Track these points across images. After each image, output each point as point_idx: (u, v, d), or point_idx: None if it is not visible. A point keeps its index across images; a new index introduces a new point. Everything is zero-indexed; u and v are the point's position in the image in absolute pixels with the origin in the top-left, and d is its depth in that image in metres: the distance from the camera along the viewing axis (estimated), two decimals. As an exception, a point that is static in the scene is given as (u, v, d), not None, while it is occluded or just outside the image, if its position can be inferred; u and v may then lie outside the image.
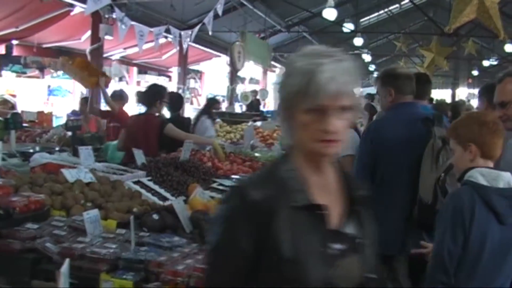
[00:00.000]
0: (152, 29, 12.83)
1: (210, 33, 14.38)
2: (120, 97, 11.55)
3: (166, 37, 15.88)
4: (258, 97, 26.22)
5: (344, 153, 7.02)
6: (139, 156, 6.95)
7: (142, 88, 27.94)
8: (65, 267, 2.83)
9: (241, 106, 27.52)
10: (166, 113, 9.98)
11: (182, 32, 13.88)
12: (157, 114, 8.65)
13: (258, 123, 15.31)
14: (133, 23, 11.73)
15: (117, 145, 8.72)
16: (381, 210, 4.86)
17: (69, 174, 5.40)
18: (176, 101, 10.30)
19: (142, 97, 8.71)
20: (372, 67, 43.66)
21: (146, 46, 14.52)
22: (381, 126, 5.69)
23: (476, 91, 39.41)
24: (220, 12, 12.87)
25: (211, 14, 13.36)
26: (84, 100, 12.59)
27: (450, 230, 3.86)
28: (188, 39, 14.02)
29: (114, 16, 13.27)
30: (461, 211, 3.84)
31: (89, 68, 11.23)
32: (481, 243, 3.84)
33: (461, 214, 3.84)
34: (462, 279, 3.87)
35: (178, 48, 16.90)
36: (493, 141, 3.97)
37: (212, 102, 12.72)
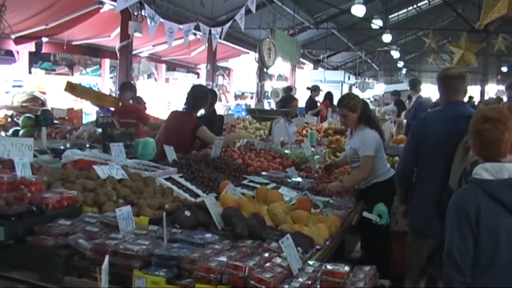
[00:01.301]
0: (181, 26, 12.79)
1: (242, 29, 14.34)
2: (129, 88, 11.69)
3: (195, 34, 15.87)
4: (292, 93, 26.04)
5: (365, 153, 7.14)
6: (170, 153, 6.95)
7: (171, 85, 28.14)
8: (105, 264, 2.82)
9: (269, 103, 27.47)
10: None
11: (212, 29, 13.83)
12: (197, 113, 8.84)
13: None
14: (162, 20, 11.71)
15: (156, 138, 8.77)
16: (418, 196, 6.05)
17: (101, 171, 5.40)
18: (211, 98, 10.35)
19: (187, 97, 8.78)
20: (400, 64, 43.47)
21: (174, 43, 14.51)
22: (427, 122, 6.21)
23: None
24: (253, 9, 12.82)
25: (242, 11, 13.30)
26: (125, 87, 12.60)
27: (457, 230, 3.97)
28: (218, 36, 13.98)
29: (143, 13, 13.28)
30: (465, 209, 3.94)
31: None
32: (495, 237, 3.89)
33: (465, 213, 3.94)
34: (481, 276, 3.92)
35: (206, 45, 16.87)
36: (491, 140, 4.06)
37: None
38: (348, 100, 7.78)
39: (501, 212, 3.88)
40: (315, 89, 21.37)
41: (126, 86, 11.81)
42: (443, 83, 6.12)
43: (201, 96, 8.80)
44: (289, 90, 24.65)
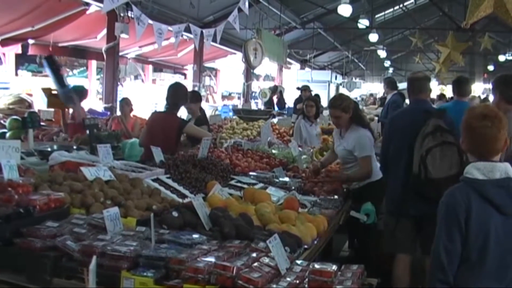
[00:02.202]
0: (171, 28, 12.78)
1: (238, 30, 14.36)
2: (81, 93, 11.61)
3: (182, 35, 15.86)
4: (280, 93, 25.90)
5: (362, 155, 7.17)
6: (158, 154, 6.95)
7: (158, 85, 28.10)
8: (93, 264, 2.83)
9: (256, 103, 27.48)
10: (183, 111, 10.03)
11: (204, 31, 13.80)
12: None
13: (275, 120, 15.31)
14: (151, 21, 11.71)
15: (139, 141, 8.75)
16: (390, 181, 6.93)
17: (88, 172, 5.40)
18: (196, 99, 10.33)
19: (167, 97, 8.69)
20: (387, 63, 43.58)
21: (162, 44, 14.52)
22: (396, 117, 7.37)
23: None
24: (246, 10, 12.82)
25: (235, 12, 13.32)
26: (124, 101, 12.55)
27: (445, 229, 3.95)
28: (211, 38, 13.92)
29: (129, 14, 13.28)
30: (454, 208, 3.92)
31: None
32: (484, 237, 3.88)
33: (454, 212, 3.91)
34: (469, 275, 3.91)
35: (198, 47, 16.87)
36: (488, 137, 4.03)
37: (299, 101, 12.50)
38: (341, 101, 7.77)
39: (491, 212, 3.88)
40: (305, 89, 21.29)
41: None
42: (410, 84, 7.09)
43: (181, 94, 8.72)
44: (275, 89, 24.69)
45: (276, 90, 24.96)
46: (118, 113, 12.88)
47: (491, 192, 3.89)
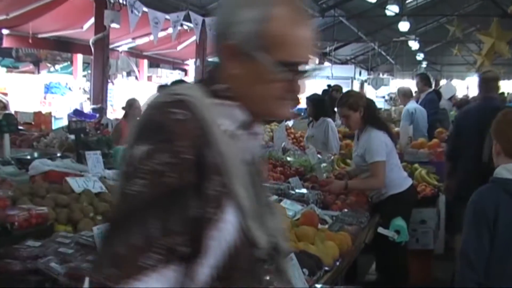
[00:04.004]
0: (168, 16, 12.78)
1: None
2: None
3: (182, 25, 15.87)
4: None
5: (373, 159, 7.18)
6: (155, 162, 6.93)
7: (154, 83, 28.12)
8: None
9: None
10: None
11: (206, 19, 13.78)
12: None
13: (290, 123, 15.29)
14: (146, 9, 11.69)
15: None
16: (462, 170, 8.57)
17: (76, 184, 5.41)
18: None
19: None
20: (420, 56, 43.41)
21: (158, 36, 14.53)
22: (467, 112, 9.22)
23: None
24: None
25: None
26: (131, 101, 12.57)
27: (474, 229, 4.47)
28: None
29: (121, 0, 13.28)
30: (483, 209, 4.44)
31: None
32: None
33: (483, 213, 4.43)
34: (495, 275, 4.37)
35: (198, 38, 16.84)
36: None
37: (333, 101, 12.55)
38: (347, 97, 7.77)
39: None
40: (337, 89, 20.88)
41: None
42: (483, 83, 8.79)
43: None
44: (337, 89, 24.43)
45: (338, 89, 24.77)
46: (113, 116, 12.84)
47: None
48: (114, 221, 2.07)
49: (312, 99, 12.36)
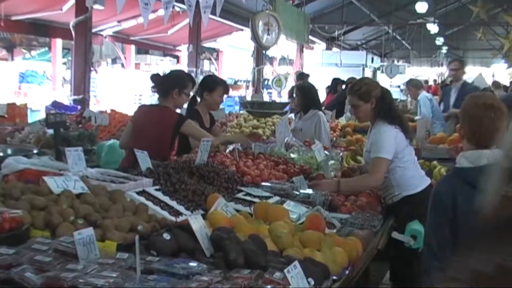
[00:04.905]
0: (160, -5, 12.76)
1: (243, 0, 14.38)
2: None
3: (174, 7, 15.83)
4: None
5: (375, 154, 7.22)
6: (144, 159, 6.95)
7: (143, 72, 28.12)
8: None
9: (270, 93, 27.45)
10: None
11: (201, 0, 13.74)
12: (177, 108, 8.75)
13: (293, 115, 15.28)
14: (134, -13, 11.69)
15: (120, 143, 8.76)
16: None
17: (54, 184, 5.41)
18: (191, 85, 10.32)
19: (157, 84, 8.70)
20: (440, 41, 43.41)
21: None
22: None
23: None
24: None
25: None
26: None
27: (433, 219, 5.13)
28: (209, 10, 13.84)
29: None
30: (440, 198, 5.09)
31: None
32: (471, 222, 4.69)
33: (440, 201, 5.07)
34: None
35: (192, 21, 16.79)
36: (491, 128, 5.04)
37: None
38: (359, 85, 7.77)
39: (477, 197, 4.62)
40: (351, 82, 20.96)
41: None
42: None
43: (172, 78, 8.74)
44: (302, 77, 24.50)
45: (303, 78, 24.77)
46: (97, 108, 12.83)
47: (476, 178, 4.42)
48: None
49: (301, 87, 12.36)
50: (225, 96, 10.39)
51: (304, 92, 11.88)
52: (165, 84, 8.63)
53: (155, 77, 8.74)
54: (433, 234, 5.09)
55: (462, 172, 5.00)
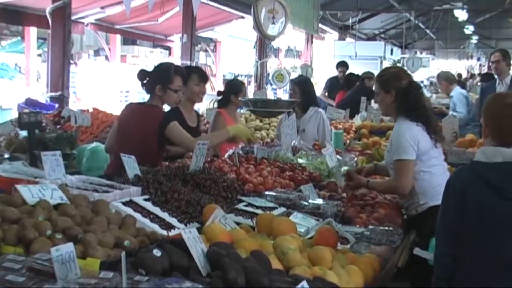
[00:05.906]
0: (145, -22, 12.82)
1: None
2: None
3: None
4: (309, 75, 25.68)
5: (396, 157, 7.22)
6: (131, 165, 6.94)
7: (129, 65, 28.13)
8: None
9: (274, 90, 27.44)
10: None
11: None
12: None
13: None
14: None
15: (105, 146, 8.75)
16: None
17: (29, 193, 5.40)
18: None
19: (142, 80, 8.63)
20: (469, 29, 43.41)
21: (134, 4, 14.53)
22: None
23: None
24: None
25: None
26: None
27: (445, 205, 5.83)
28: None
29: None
30: (454, 187, 5.74)
31: None
32: (480, 216, 5.57)
33: (453, 190, 5.73)
34: (464, 252, 5.69)
35: (181, 7, 16.81)
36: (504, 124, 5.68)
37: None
38: (384, 72, 7.82)
39: (490, 193, 5.53)
40: (369, 77, 20.98)
41: None
42: None
43: (157, 72, 8.69)
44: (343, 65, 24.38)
45: (344, 66, 24.64)
46: (77, 107, 12.85)
47: (489, 173, 5.55)
48: None
49: (300, 82, 12.36)
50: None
51: (303, 88, 11.87)
52: (149, 80, 8.58)
53: (140, 74, 8.67)
54: (442, 220, 5.83)
55: (476, 165, 5.67)
